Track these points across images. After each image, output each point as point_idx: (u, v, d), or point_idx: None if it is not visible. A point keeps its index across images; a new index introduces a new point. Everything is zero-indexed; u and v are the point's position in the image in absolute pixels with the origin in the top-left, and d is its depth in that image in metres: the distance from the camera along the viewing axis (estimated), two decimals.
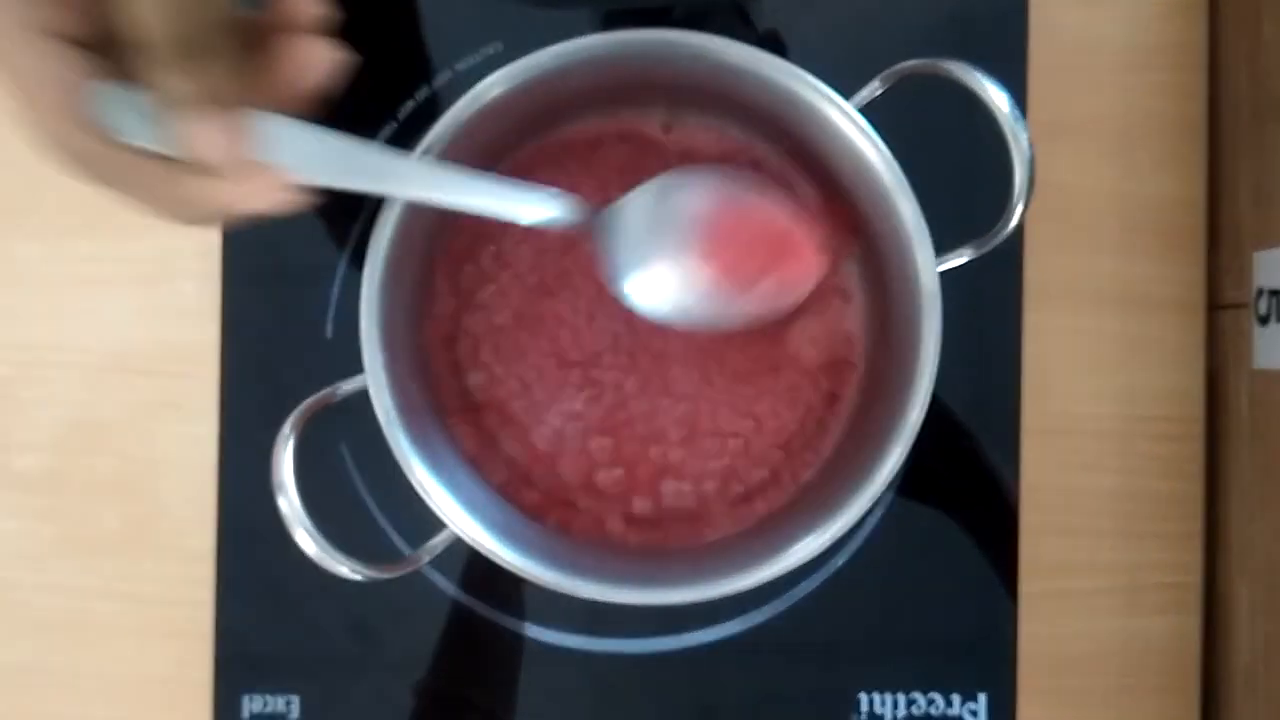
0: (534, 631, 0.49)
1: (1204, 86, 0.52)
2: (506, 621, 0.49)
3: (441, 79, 0.49)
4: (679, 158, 0.46)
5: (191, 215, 0.34)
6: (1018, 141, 0.40)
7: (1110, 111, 0.52)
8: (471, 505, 0.40)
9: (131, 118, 0.31)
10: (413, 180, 0.38)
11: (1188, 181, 0.52)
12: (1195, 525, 0.52)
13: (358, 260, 0.48)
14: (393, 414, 0.39)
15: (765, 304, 0.43)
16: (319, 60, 0.33)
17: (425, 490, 0.39)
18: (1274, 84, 0.48)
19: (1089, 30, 0.52)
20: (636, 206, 0.41)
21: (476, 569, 0.49)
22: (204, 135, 0.30)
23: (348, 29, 0.49)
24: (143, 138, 0.31)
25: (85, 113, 0.31)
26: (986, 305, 0.49)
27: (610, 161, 0.46)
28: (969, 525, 0.50)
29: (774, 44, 0.50)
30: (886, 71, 0.40)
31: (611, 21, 0.50)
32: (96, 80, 0.31)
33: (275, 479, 0.38)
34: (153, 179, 0.32)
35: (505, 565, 0.39)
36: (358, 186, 0.36)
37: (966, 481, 0.50)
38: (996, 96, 0.40)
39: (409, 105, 0.49)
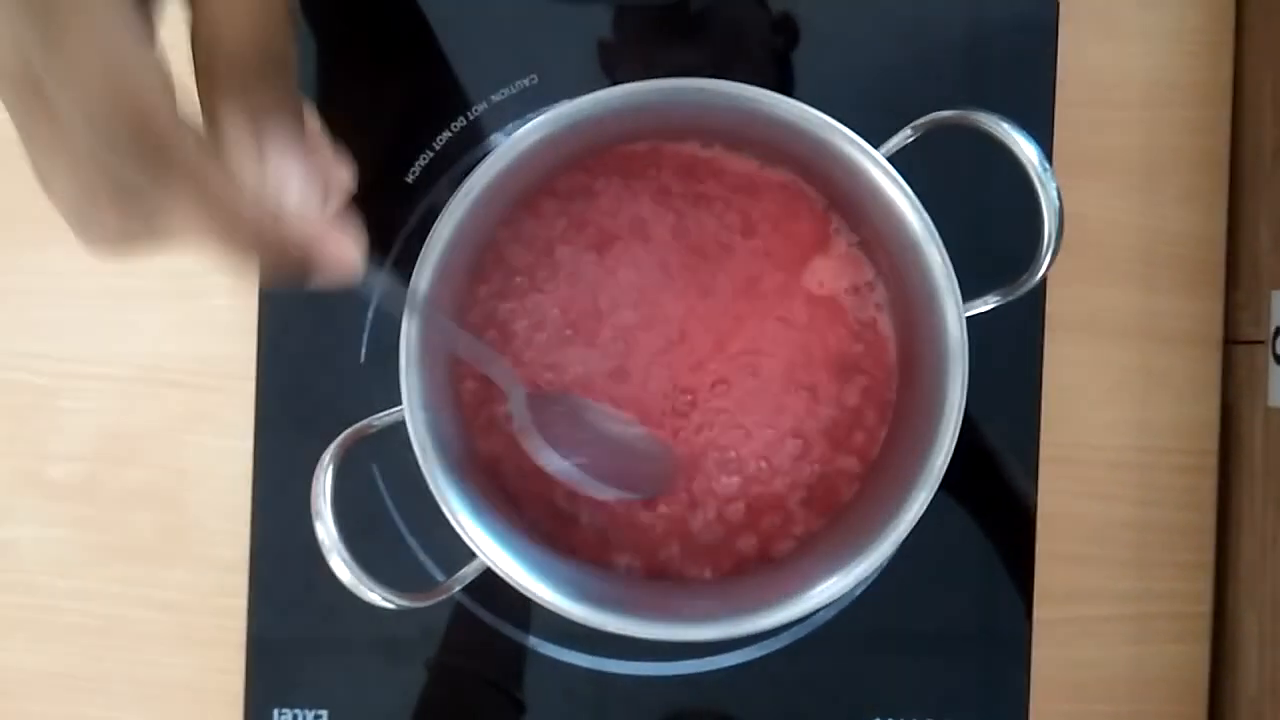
0: (536, 644, 0.50)
1: (1227, 124, 0.53)
2: (512, 633, 0.50)
3: (477, 110, 0.50)
4: (719, 174, 0.47)
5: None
6: (1046, 192, 0.40)
7: (1134, 146, 0.53)
8: (503, 538, 0.41)
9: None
10: None
11: (1209, 218, 0.53)
12: (1207, 556, 0.53)
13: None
14: (429, 450, 0.40)
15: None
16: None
17: (458, 523, 0.40)
18: None
19: (1115, 65, 0.53)
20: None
21: (480, 580, 0.50)
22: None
23: (387, 61, 0.50)
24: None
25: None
26: (1008, 336, 0.50)
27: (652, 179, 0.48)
28: (983, 551, 0.51)
29: (788, 29, 0.51)
30: (917, 121, 0.41)
31: (625, 17, 0.50)
32: None
33: (314, 507, 0.39)
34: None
35: (538, 599, 0.40)
36: None
37: (986, 507, 0.51)
38: (1026, 148, 0.40)
39: (445, 136, 0.50)
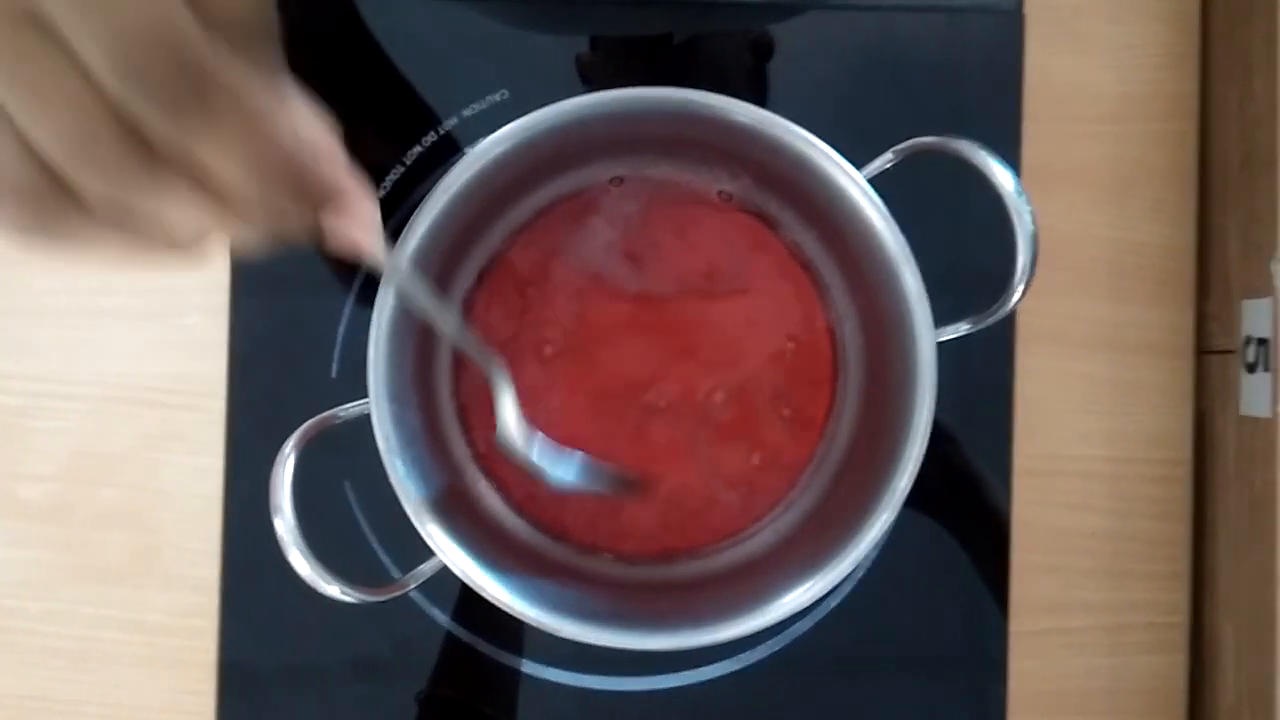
0: (530, 668, 0.50)
1: (1195, 137, 0.54)
2: (503, 658, 0.50)
3: (448, 125, 0.50)
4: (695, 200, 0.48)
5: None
6: (1022, 221, 0.40)
7: (1103, 159, 0.53)
8: (461, 537, 0.41)
9: None
10: None
11: (1178, 229, 0.53)
12: (1182, 566, 0.53)
13: (363, 302, 0.49)
14: (392, 441, 0.39)
15: None
16: None
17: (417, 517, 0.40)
18: (1263, 136, 0.49)
19: (1083, 79, 0.53)
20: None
21: (469, 604, 0.50)
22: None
23: (358, 75, 0.50)
24: None
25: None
26: (980, 350, 0.50)
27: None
28: (959, 565, 0.51)
29: (765, 48, 0.51)
30: (899, 146, 0.41)
31: (600, 46, 0.51)
32: None
33: (273, 501, 0.38)
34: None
35: (490, 599, 0.40)
36: None
37: (962, 521, 0.51)
38: (1002, 176, 0.40)
39: (416, 150, 0.50)
